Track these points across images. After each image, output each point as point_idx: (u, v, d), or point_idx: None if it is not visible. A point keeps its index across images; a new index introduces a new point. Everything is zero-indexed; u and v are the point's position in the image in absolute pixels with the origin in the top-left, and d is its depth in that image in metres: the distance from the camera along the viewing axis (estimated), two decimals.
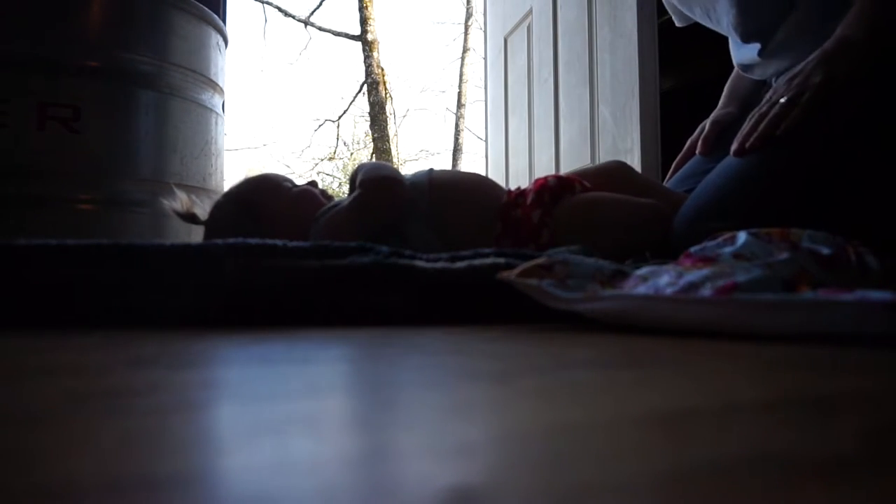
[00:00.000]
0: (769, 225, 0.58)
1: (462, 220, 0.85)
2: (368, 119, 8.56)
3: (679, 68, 2.05)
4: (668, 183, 1.18)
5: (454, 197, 0.87)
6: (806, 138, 0.82)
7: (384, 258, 0.63)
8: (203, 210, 0.92)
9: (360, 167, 0.89)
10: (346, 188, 1.02)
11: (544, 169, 2.30)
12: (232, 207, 0.89)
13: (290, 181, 0.93)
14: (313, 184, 0.93)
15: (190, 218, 0.92)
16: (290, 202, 0.88)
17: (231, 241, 0.61)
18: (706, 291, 0.49)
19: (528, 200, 0.86)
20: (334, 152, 9.53)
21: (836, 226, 0.57)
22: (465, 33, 9.05)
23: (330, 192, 0.95)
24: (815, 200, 0.78)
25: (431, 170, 0.91)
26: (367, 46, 8.27)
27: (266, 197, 0.89)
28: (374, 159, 8.30)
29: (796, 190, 0.80)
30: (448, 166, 8.84)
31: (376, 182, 0.84)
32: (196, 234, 1.13)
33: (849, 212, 0.78)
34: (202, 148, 1.50)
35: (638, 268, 0.60)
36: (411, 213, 0.84)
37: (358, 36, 8.45)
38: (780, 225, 0.57)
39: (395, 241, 0.78)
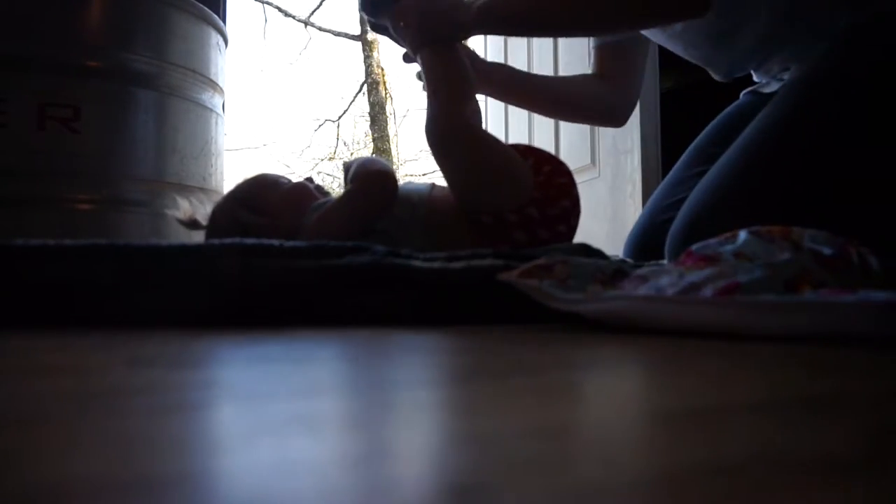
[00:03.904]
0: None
1: (455, 239, 0.85)
2: (368, 119, 8.56)
3: (679, 68, 2.05)
4: (657, 191, 1.19)
5: (450, 216, 0.87)
6: (796, 142, 0.82)
7: (381, 258, 0.63)
8: (204, 215, 0.93)
9: (354, 161, 0.91)
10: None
11: None
12: (231, 206, 0.91)
13: (286, 178, 0.95)
14: (309, 179, 0.95)
15: (192, 225, 0.94)
16: (285, 194, 0.91)
17: (227, 241, 0.61)
18: (707, 292, 0.49)
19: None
20: (334, 152, 9.52)
21: (832, 228, 0.57)
22: None
23: (328, 189, 0.97)
24: (811, 205, 0.78)
25: (433, 185, 0.92)
26: (367, 46, 8.27)
27: (263, 190, 0.92)
28: None
29: (793, 196, 0.79)
30: None
31: (367, 176, 0.86)
32: (196, 236, 1.13)
33: (843, 215, 0.77)
34: (202, 148, 1.50)
35: (637, 267, 0.60)
36: (408, 222, 0.85)
37: (358, 36, 8.45)
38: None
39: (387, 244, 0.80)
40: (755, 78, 1.11)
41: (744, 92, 1.16)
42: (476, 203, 0.84)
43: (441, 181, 0.91)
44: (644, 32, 1.08)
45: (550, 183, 0.87)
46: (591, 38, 1.17)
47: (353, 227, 0.82)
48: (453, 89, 0.90)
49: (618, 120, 1.19)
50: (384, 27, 0.99)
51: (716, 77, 1.10)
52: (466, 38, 0.95)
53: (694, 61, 1.10)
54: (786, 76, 1.01)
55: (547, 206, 0.85)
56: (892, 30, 0.83)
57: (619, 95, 1.16)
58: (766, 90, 1.07)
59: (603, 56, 1.15)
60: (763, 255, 0.52)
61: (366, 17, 1.00)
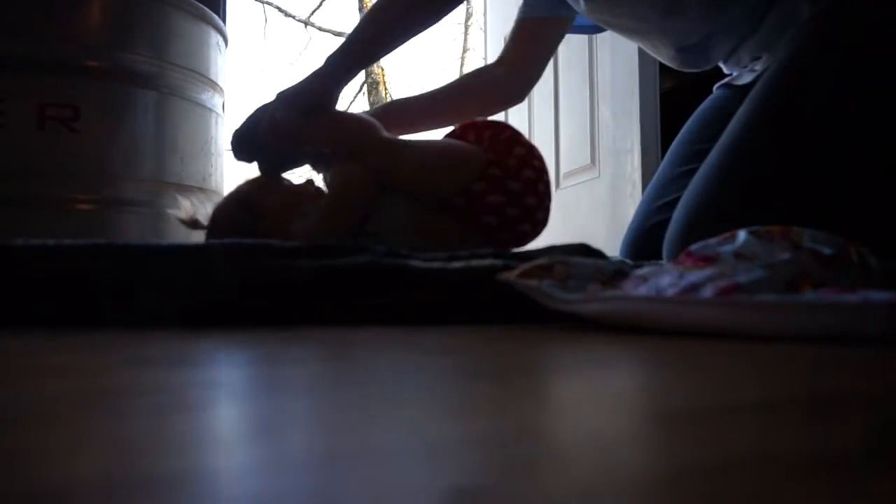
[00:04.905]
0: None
1: (442, 229, 0.88)
2: None
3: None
4: (647, 192, 1.19)
5: (432, 208, 0.90)
6: (783, 138, 0.82)
7: (381, 257, 0.63)
8: (205, 215, 0.93)
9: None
10: None
11: None
12: (232, 207, 0.91)
13: (288, 180, 0.95)
14: (310, 182, 0.95)
15: (193, 224, 0.94)
16: (286, 197, 0.91)
17: (227, 241, 0.61)
18: (708, 292, 0.49)
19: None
20: None
21: (832, 226, 0.57)
22: (465, 33, 9.04)
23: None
24: (808, 201, 0.78)
25: None
26: None
27: (264, 193, 0.92)
28: None
29: (788, 190, 0.79)
30: None
31: (342, 179, 0.88)
32: (196, 235, 1.13)
33: (843, 212, 0.77)
34: (202, 148, 1.50)
35: (637, 267, 0.60)
36: (395, 219, 0.87)
37: None
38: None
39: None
40: (726, 70, 1.11)
41: (716, 86, 1.16)
42: (438, 192, 0.87)
43: None
44: (594, 20, 1.08)
45: (496, 139, 0.92)
46: (518, 11, 1.14)
47: (338, 232, 0.82)
48: (355, 137, 0.91)
49: (513, 103, 1.22)
50: (280, 155, 0.93)
51: (672, 65, 1.10)
52: (338, 92, 0.94)
53: (649, 47, 1.10)
54: (757, 66, 1.01)
55: (504, 160, 0.89)
56: (857, 14, 0.83)
57: (518, 77, 1.15)
58: (740, 82, 1.07)
59: (524, 29, 1.12)
60: (763, 255, 0.52)
61: (254, 160, 0.95)
